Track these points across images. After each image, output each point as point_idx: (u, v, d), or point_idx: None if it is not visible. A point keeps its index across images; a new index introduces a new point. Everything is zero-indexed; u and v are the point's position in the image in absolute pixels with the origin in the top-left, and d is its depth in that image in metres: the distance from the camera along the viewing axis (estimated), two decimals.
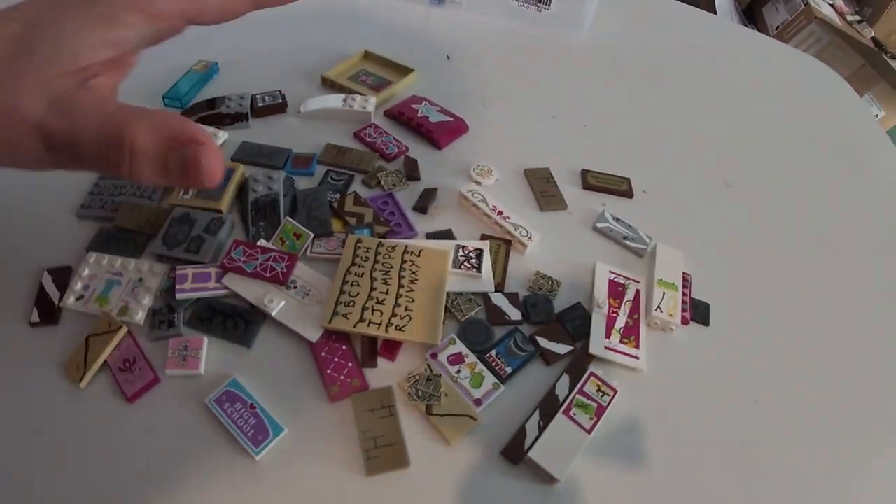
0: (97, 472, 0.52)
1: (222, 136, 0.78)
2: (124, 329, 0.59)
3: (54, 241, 0.69)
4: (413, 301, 0.59)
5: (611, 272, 0.68)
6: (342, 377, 0.56)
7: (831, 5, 1.80)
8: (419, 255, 0.63)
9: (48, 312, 0.62)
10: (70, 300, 0.63)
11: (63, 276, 0.65)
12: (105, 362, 0.58)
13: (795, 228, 0.81)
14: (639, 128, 0.91)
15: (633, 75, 1.03)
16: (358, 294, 0.59)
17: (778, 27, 1.74)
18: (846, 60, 1.59)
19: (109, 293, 0.63)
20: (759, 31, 1.79)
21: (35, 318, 0.62)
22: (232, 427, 0.53)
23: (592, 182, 0.78)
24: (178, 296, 0.61)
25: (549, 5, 1.04)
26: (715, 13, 1.68)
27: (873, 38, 1.67)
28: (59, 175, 0.75)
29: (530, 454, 0.53)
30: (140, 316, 0.61)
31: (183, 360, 0.57)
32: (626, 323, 0.64)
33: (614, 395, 0.58)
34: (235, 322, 0.60)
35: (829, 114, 1.07)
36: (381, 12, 1.11)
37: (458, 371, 0.57)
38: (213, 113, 0.82)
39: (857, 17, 1.83)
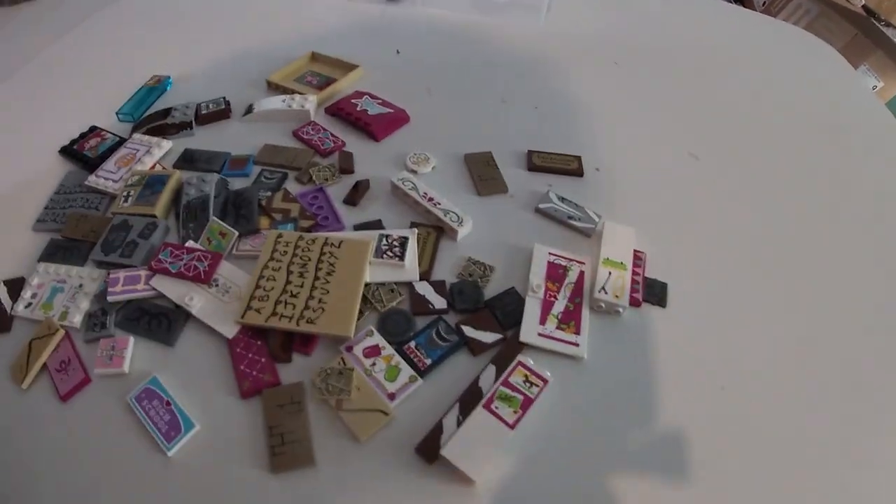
0: (31, 468, 0.52)
1: (166, 145, 0.78)
2: (61, 332, 0.61)
3: (11, 254, 0.71)
4: (328, 293, 0.58)
5: (551, 254, 0.65)
6: (254, 372, 0.55)
7: None
8: (339, 247, 0.61)
9: (1, 320, 0.64)
10: (20, 307, 0.65)
11: (17, 287, 0.67)
12: (45, 364, 0.59)
13: (773, 204, 0.75)
14: (596, 105, 0.87)
15: (592, 55, 0.99)
16: (273, 288, 0.58)
17: (764, 2, 1.65)
18: (838, 32, 1.49)
19: (53, 299, 0.64)
20: (744, 7, 1.71)
21: None
22: (148, 423, 0.53)
23: (538, 163, 0.75)
24: (109, 298, 0.61)
25: None
26: None
27: (864, 6, 1.56)
28: (17, 192, 0.79)
29: (444, 452, 0.49)
30: (77, 319, 0.62)
31: (109, 359, 0.58)
32: (567, 307, 0.60)
33: (544, 385, 0.54)
34: (160, 321, 0.60)
35: (820, 87, 1.00)
36: (334, 14, 1.11)
37: (374, 364, 0.55)
38: (160, 124, 0.82)
39: None
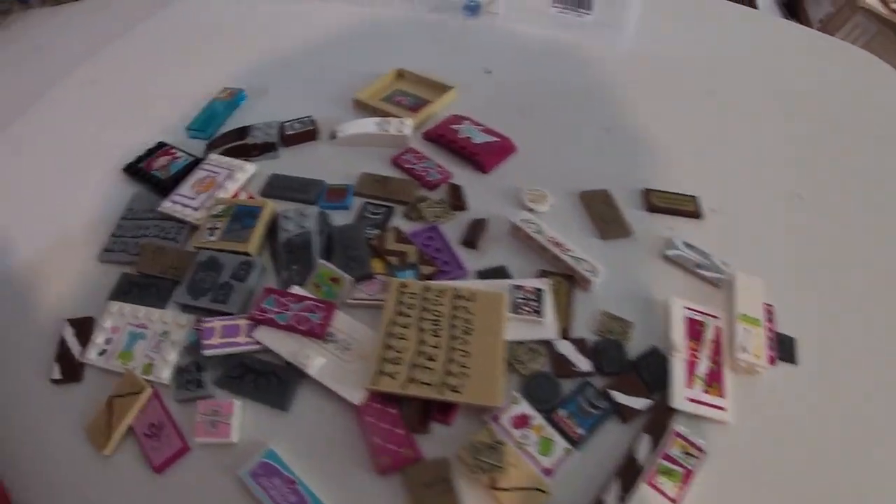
0: None
1: (249, 168, 0.73)
2: (149, 390, 0.55)
3: (75, 288, 0.66)
4: (468, 355, 0.52)
5: (687, 308, 0.60)
6: (391, 446, 0.49)
7: None
8: (472, 300, 0.56)
9: (70, 369, 0.59)
10: (92, 354, 0.59)
11: (85, 328, 0.62)
12: (130, 426, 0.53)
13: (878, 240, 0.71)
14: (697, 138, 0.83)
15: (682, 81, 0.95)
16: (405, 349, 0.53)
17: (821, 20, 1.64)
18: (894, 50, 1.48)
19: (133, 347, 0.59)
20: (801, 24, 1.69)
21: (56, 374, 0.59)
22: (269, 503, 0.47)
23: (657, 203, 0.71)
24: (206, 352, 0.56)
25: (591, 9, 0.97)
26: (755, 6, 1.58)
27: None
28: (78, 214, 0.72)
29: None
30: (166, 374, 0.56)
31: (213, 426, 0.52)
32: (709, 368, 0.56)
33: (702, 456, 0.50)
34: (269, 381, 0.54)
35: (889, 110, 0.95)
36: (413, 28, 1.06)
37: (524, 436, 0.50)
38: (240, 144, 0.76)
39: None
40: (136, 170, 0.77)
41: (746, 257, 0.66)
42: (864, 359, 0.60)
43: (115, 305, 0.62)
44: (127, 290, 0.64)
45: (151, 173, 0.75)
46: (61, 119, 0.91)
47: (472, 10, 1.05)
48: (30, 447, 0.53)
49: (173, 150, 0.78)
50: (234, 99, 0.85)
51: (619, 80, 0.94)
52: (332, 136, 0.78)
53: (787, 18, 1.64)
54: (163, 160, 0.77)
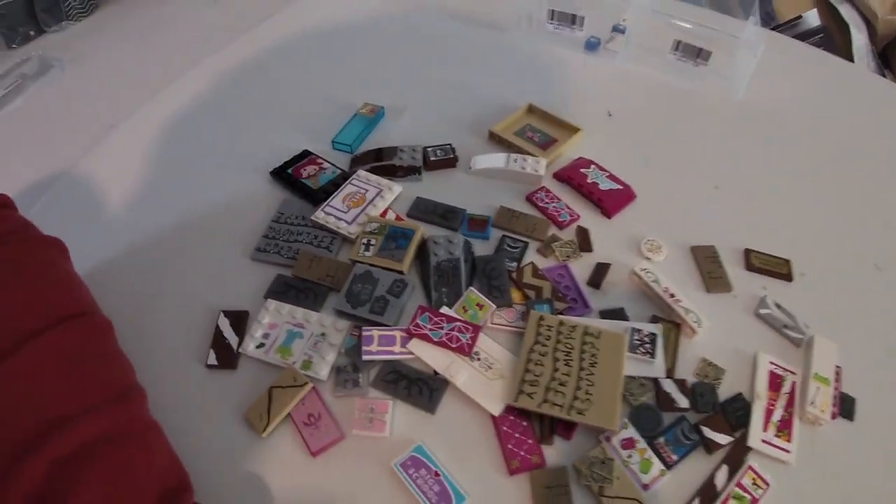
0: None
1: (396, 189, 0.87)
2: (309, 385, 0.68)
3: (229, 284, 0.79)
4: (593, 385, 0.66)
5: (771, 363, 0.73)
6: (522, 452, 0.64)
7: None
8: (598, 337, 0.70)
9: (226, 357, 0.71)
10: (250, 347, 0.71)
11: (240, 321, 0.74)
12: (289, 415, 0.67)
13: None
14: (796, 200, 0.94)
15: (789, 140, 1.05)
16: (541, 374, 0.67)
17: None
18: None
19: (291, 344, 0.71)
20: (894, 76, 1.77)
21: (212, 360, 0.71)
22: (417, 492, 0.61)
23: (756, 264, 0.83)
24: (365, 357, 0.70)
25: (707, 61, 1.08)
26: (851, 55, 1.67)
27: None
28: (230, 213, 0.88)
29: None
30: (324, 372, 0.69)
31: (370, 422, 0.66)
32: (782, 416, 0.69)
33: (767, 488, 0.63)
34: (420, 388, 0.68)
35: None
36: (539, 59, 1.19)
37: (630, 455, 0.64)
38: (387, 164, 0.91)
39: None
40: (284, 175, 0.89)
41: (825, 322, 0.76)
42: None
43: (273, 304, 0.73)
44: (283, 291, 0.75)
45: (301, 181, 0.88)
46: (191, 111, 1.05)
47: (593, 46, 1.17)
48: (183, 427, 0.63)
49: (320, 160, 0.91)
50: (375, 116, 0.99)
51: (728, 133, 1.05)
52: (470, 167, 0.91)
53: (881, 69, 1.72)
54: (310, 169, 0.90)
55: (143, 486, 0.51)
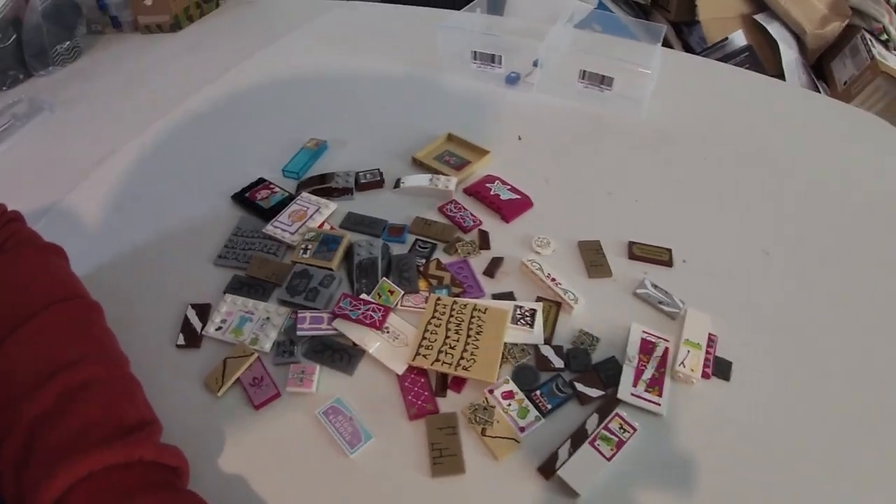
0: (228, 465, 0.74)
1: (332, 206, 1.08)
2: (255, 355, 0.86)
3: (195, 283, 0.99)
4: (478, 348, 0.84)
5: (643, 332, 0.88)
6: (419, 402, 0.81)
7: None
8: (485, 312, 0.88)
9: (192, 338, 0.90)
10: (211, 329, 0.90)
11: (204, 311, 0.93)
12: (238, 379, 0.84)
13: (834, 298, 0.94)
14: (685, 201, 1.10)
15: (684, 149, 1.22)
16: (436, 340, 0.85)
17: (846, 82, 1.87)
18: None
19: (243, 327, 0.90)
20: (828, 86, 1.97)
21: (181, 341, 0.90)
22: (334, 433, 0.78)
23: (637, 253, 1.00)
24: (299, 332, 0.88)
25: (611, 86, 1.28)
26: (782, 71, 1.86)
27: None
28: (199, 230, 1.10)
29: (559, 472, 0.73)
30: (268, 346, 0.88)
31: (300, 381, 0.83)
32: (653, 375, 0.83)
33: (633, 432, 0.77)
34: (341, 355, 0.86)
35: (889, 177, 1.18)
36: (463, 93, 1.41)
37: (509, 405, 0.81)
38: (325, 187, 1.12)
39: None
40: (242, 198, 1.10)
41: (705, 300, 0.90)
42: (786, 387, 0.81)
43: (230, 297, 0.91)
44: (238, 287, 0.94)
45: (256, 202, 1.08)
46: (167, 147, 1.26)
47: (513, 80, 1.38)
48: (157, 394, 0.76)
49: (272, 186, 1.12)
50: (319, 148, 1.20)
51: (626, 150, 1.23)
52: (395, 186, 1.11)
53: (814, 81, 1.91)
54: (264, 192, 1.10)
55: (126, 412, 0.69)
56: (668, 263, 1.00)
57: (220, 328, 0.90)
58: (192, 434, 0.78)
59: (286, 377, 0.84)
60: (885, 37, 2.01)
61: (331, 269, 0.97)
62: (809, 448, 0.77)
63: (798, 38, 1.98)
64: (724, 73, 1.55)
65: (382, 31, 1.72)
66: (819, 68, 2.03)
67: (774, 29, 1.97)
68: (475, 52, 1.38)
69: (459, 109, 1.36)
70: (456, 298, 0.92)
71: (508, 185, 1.11)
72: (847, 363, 0.87)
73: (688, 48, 1.98)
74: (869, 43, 1.90)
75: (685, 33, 2.02)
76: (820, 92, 1.97)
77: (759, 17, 2.01)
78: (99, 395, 0.68)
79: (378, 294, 0.93)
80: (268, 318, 0.91)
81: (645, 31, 1.48)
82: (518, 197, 1.09)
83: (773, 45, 1.97)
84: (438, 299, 0.91)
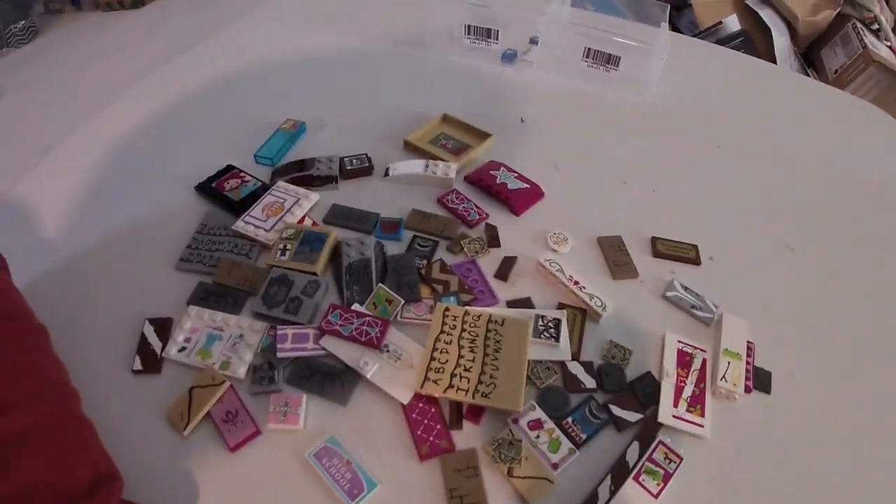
0: None
1: (314, 197, 0.90)
2: (227, 383, 0.70)
3: (153, 292, 0.81)
4: (497, 369, 0.68)
5: (679, 342, 0.76)
6: (431, 438, 0.66)
7: (889, 47, 1.84)
8: (502, 325, 0.72)
9: (151, 361, 0.73)
10: (173, 351, 0.73)
11: (164, 328, 0.76)
12: (208, 413, 0.68)
13: (862, 291, 0.86)
14: (704, 190, 0.99)
15: (697, 135, 1.10)
16: (447, 361, 0.69)
17: (836, 71, 1.79)
18: None
19: (211, 347, 0.73)
20: (817, 74, 1.89)
21: (137, 365, 0.73)
22: (330, 481, 0.63)
23: (662, 250, 0.87)
24: (279, 354, 0.71)
25: (618, 66, 1.13)
26: (774, 57, 1.76)
27: None
28: (157, 227, 0.91)
29: None
30: (242, 371, 0.71)
31: (283, 415, 0.67)
32: (693, 392, 0.71)
33: (680, 462, 0.65)
34: (332, 380, 0.70)
35: (890, 165, 1.11)
36: (456, 71, 1.24)
37: (538, 436, 0.66)
38: (305, 174, 0.94)
39: None
40: (208, 189, 0.92)
41: (737, 301, 0.80)
42: (832, 394, 0.73)
43: (194, 310, 0.75)
44: (204, 297, 0.78)
45: (224, 194, 0.90)
46: (123, 134, 1.07)
47: (510, 58, 1.22)
48: (111, 433, 0.62)
49: (242, 174, 0.94)
50: (296, 131, 1.02)
51: (638, 133, 1.10)
52: (385, 174, 0.94)
53: (805, 68, 1.82)
54: (233, 182, 0.92)
55: (76, 469, 0.54)
56: (696, 261, 0.87)
57: (183, 349, 0.74)
58: (155, 484, 0.63)
59: (266, 409, 0.68)
60: (875, 26, 1.93)
61: (315, 274, 0.80)
62: (863, 459, 0.68)
63: (789, 24, 1.89)
64: (732, 59, 1.42)
65: (365, 6, 1.53)
66: (807, 56, 1.91)
67: (766, 15, 1.86)
68: (468, 25, 1.21)
69: (452, 89, 1.20)
70: (467, 308, 0.75)
71: (515, 172, 0.95)
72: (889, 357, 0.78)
73: (677, 32, 1.85)
74: (861, 32, 1.82)
75: (674, 17, 1.88)
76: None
77: (750, 2, 1.89)
78: (40, 450, 0.54)
79: (374, 304, 0.76)
80: (241, 336, 0.74)
81: (638, 12, 1.33)
82: (527, 186, 0.93)
83: (763, 30, 1.87)
84: (447, 309, 0.75)
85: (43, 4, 1.51)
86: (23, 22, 1.40)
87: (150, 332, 0.75)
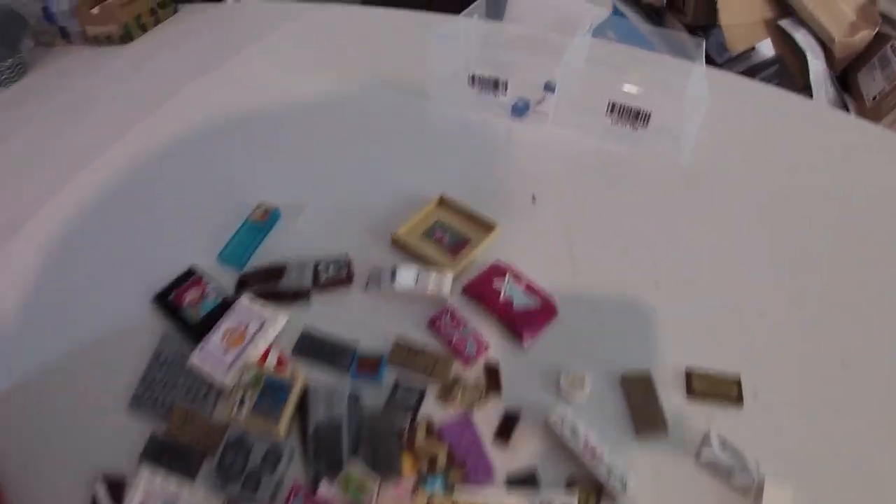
0: None
1: (281, 321, 0.76)
2: None
3: (106, 435, 0.71)
4: None
5: None
6: None
7: None
8: None
9: None
10: None
11: (117, 490, 0.66)
12: None
13: None
14: (751, 300, 0.81)
15: (740, 208, 0.93)
16: None
17: (875, 97, 1.63)
18: None
19: None
20: (853, 99, 1.72)
21: None
22: None
23: (698, 388, 0.71)
24: None
25: (647, 125, 0.96)
26: (808, 81, 1.61)
27: None
28: (111, 348, 0.77)
29: None
30: None
31: None
32: None
33: None
34: None
35: None
36: (459, 128, 1.08)
37: None
38: (273, 291, 0.80)
39: None
40: (166, 302, 0.81)
41: (782, 454, 0.66)
42: None
43: (146, 472, 0.66)
44: (158, 454, 0.69)
45: (182, 310, 0.80)
46: (76, 224, 0.95)
47: (520, 111, 1.06)
48: None
49: (204, 281, 0.83)
50: (268, 220, 0.89)
51: (671, 209, 0.94)
52: (366, 286, 0.81)
53: (841, 95, 1.62)
54: (193, 293, 0.82)
55: None
56: (738, 400, 0.72)
57: None
58: None
59: None
60: None
61: (277, 438, 0.66)
62: None
63: (824, 46, 1.70)
64: (774, 100, 1.22)
65: (360, 43, 1.39)
66: (843, 79, 1.71)
67: (800, 37, 1.67)
68: (473, 75, 1.05)
69: (454, 154, 1.04)
70: (454, 500, 0.60)
71: (523, 280, 0.80)
72: None
73: (706, 57, 1.65)
74: None
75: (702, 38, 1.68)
76: (847, 107, 1.72)
77: (783, 23, 1.71)
78: None
79: (344, 486, 0.59)
80: None
81: (667, 40, 1.18)
82: (537, 301, 0.78)
83: (798, 54, 1.69)
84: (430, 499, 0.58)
85: (33, 39, 1.47)
86: (10, 60, 1.36)
87: (103, 495, 0.66)
